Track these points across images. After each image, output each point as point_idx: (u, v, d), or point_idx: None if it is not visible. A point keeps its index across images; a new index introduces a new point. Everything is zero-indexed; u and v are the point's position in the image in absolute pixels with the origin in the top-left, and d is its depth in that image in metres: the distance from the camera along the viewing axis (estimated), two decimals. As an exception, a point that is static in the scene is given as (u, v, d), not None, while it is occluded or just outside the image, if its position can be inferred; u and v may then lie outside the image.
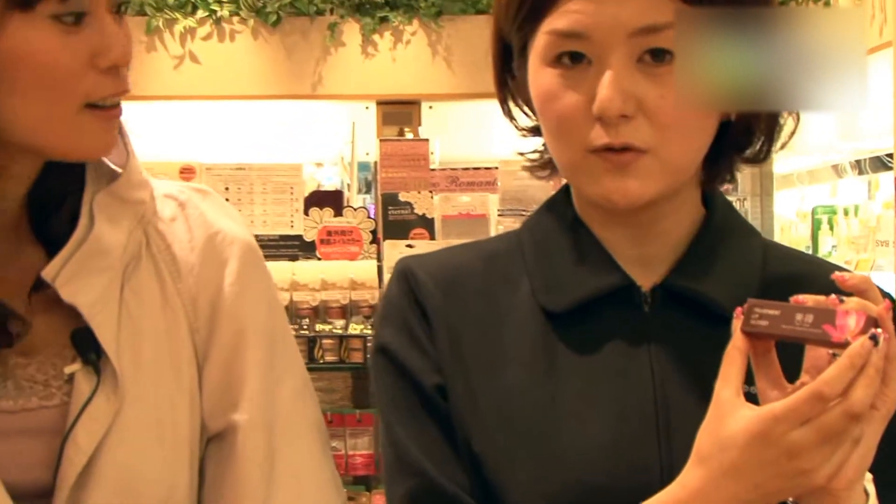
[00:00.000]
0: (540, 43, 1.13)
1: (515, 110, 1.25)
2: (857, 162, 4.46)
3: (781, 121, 1.21)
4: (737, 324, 1.02)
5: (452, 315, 1.20)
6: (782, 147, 1.22)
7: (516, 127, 1.26)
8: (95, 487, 1.12)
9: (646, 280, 1.18)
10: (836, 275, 1.03)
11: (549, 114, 1.15)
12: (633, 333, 1.16)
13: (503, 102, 1.25)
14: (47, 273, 1.15)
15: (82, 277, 1.16)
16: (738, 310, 1.02)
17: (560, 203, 1.24)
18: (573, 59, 1.12)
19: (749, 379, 1.02)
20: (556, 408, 1.14)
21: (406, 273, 1.22)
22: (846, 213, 4.71)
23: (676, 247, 1.19)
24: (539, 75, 1.14)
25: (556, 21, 1.11)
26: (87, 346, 1.15)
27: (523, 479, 1.13)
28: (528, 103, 1.22)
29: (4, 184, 1.16)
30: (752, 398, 1.00)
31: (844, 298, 0.99)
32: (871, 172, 4.37)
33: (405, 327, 1.20)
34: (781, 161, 4.82)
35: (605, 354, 1.16)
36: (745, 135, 1.19)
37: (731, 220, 1.23)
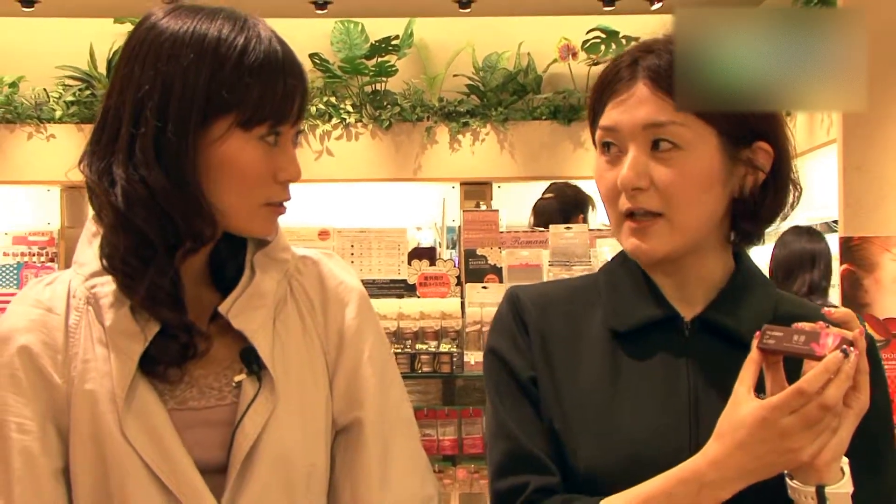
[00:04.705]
0: (597, 136, 1.24)
1: None
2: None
3: (790, 199, 1.25)
4: (755, 342, 1.09)
5: (544, 329, 1.28)
6: (784, 219, 1.26)
7: None
8: (258, 463, 1.21)
9: (688, 313, 1.25)
10: (825, 310, 1.16)
11: (600, 188, 1.24)
12: (676, 351, 1.23)
13: None
14: (223, 307, 1.25)
15: (247, 311, 1.25)
16: (757, 332, 1.10)
17: (626, 254, 1.29)
18: (611, 148, 1.21)
19: (759, 387, 1.09)
20: (617, 401, 1.22)
21: (513, 297, 1.31)
22: (804, 263, 4.42)
23: (711, 290, 1.26)
24: (597, 159, 1.24)
25: (603, 120, 1.22)
26: (251, 361, 1.25)
27: (590, 451, 1.21)
28: None
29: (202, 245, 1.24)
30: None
31: (830, 326, 1.08)
32: (821, 233, 4.15)
33: (509, 335, 1.28)
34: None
35: (654, 365, 1.23)
36: (751, 208, 1.23)
37: (753, 274, 1.29)
